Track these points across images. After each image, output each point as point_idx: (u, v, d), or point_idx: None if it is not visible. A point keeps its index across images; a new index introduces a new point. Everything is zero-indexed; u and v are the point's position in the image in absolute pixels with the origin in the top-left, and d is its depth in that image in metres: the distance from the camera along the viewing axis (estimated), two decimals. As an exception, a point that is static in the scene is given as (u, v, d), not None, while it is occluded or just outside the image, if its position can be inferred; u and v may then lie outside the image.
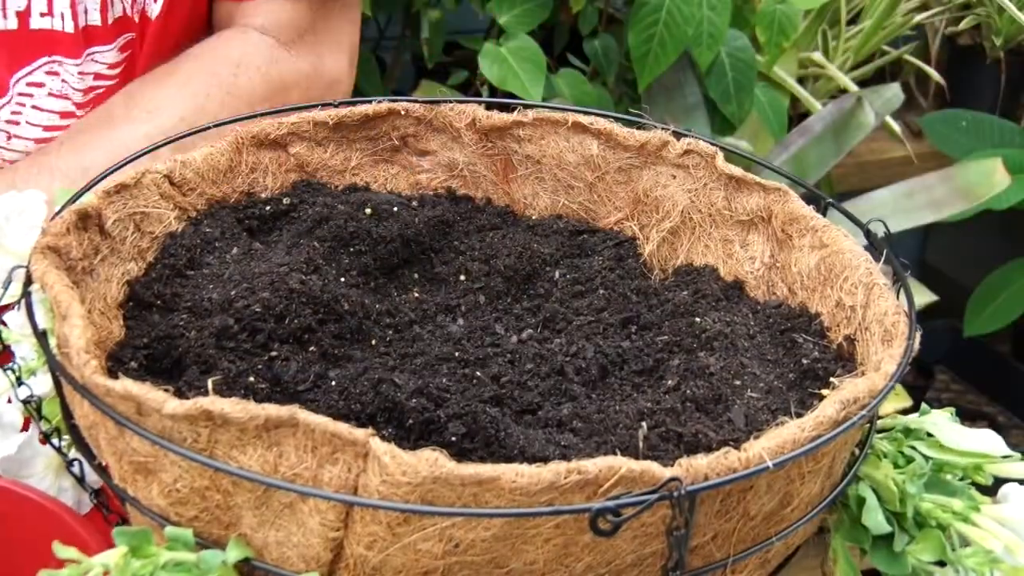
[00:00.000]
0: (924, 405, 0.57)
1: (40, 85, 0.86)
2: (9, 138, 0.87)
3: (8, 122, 0.86)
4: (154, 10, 0.89)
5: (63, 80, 0.86)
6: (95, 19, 0.87)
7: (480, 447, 0.49)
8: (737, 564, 0.47)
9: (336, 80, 0.98)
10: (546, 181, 0.71)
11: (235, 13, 0.95)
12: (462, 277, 0.66)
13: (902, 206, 1.43)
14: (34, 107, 0.87)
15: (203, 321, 0.56)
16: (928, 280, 1.57)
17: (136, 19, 0.89)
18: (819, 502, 0.49)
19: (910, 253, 2.14)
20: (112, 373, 0.50)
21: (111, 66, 0.88)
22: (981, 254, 1.84)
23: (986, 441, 0.54)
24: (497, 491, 0.41)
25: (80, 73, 0.87)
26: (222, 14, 0.96)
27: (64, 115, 0.88)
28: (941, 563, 0.52)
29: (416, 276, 0.66)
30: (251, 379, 0.52)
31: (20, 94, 0.86)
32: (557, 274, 0.66)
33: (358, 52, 1.01)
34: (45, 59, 0.86)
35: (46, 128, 0.87)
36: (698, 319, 0.60)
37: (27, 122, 0.87)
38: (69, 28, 0.85)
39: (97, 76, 0.88)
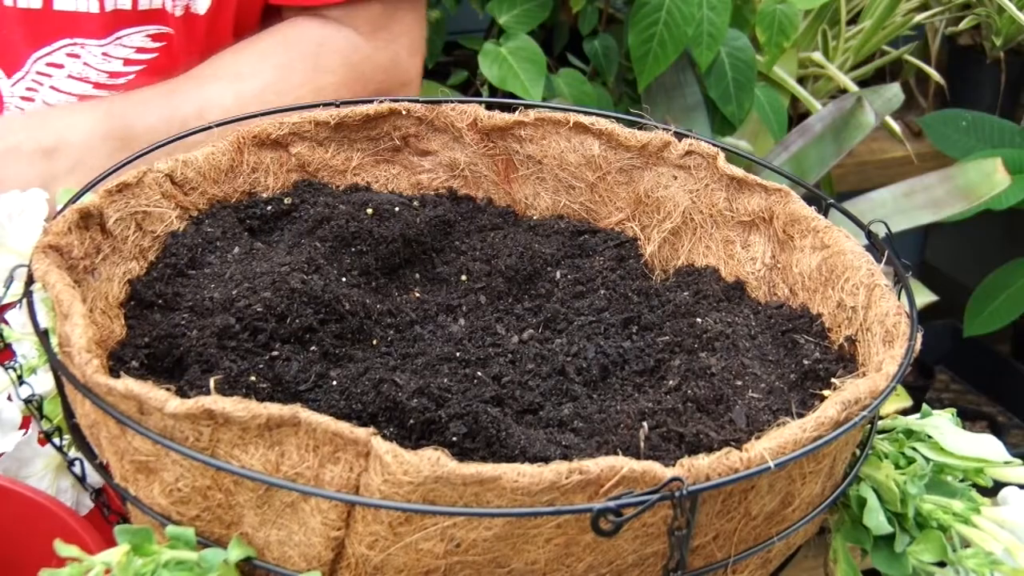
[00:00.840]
0: (925, 406, 0.57)
1: (60, 66, 0.86)
2: (23, 113, 0.87)
3: (23, 98, 0.87)
4: (202, 5, 0.89)
5: (84, 63, 0.86)
6: (125, 4, 0.87)
7: (481, 447, 0.49)
8: (738, 564, 0.47)
9: (410, 81, 0.97)
10: (547, 181, 0.71)
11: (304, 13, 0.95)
12: (463, 277, 0.66)
13: (902, 206, 1.43)
14: (52, 87, 0.87)
15: (204, 320, 0.56)
16: (928, 280, 1.57)
17: (178, 13, 0.88)
18: (820, 502, 0.49)
19: (910, 253, 2.14)
20: (114, 372, 0.50)
21: (139, 50, 0.88)
22: (981, 254, 1.84)
23: (987, 446, 0.54)
24: (498, 491, 0.41)
25: (104, 54, 0.87)
26: (290, 16, 0.96)
27: (83, 98, 0.88)
28: (942, 564, 0.52)
29: (417, 276, 0.66)
30: (252, 378, 0.52)
31: (39, 73, 0.86)
32: (558, 274, 0.66)
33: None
34: (67, 40, 0.86)
35: None
36: (699, 319, 0.60)
37: (43, 101, 0.87)
38: (94, 9, 0.85)
39: (127, 62, 0.88)
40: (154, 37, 0.89)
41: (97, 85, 0.88)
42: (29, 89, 0.87)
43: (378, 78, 0.94)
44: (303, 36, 0.91)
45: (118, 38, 0.87)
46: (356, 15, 0.94)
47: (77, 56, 0.86)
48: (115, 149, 0.82)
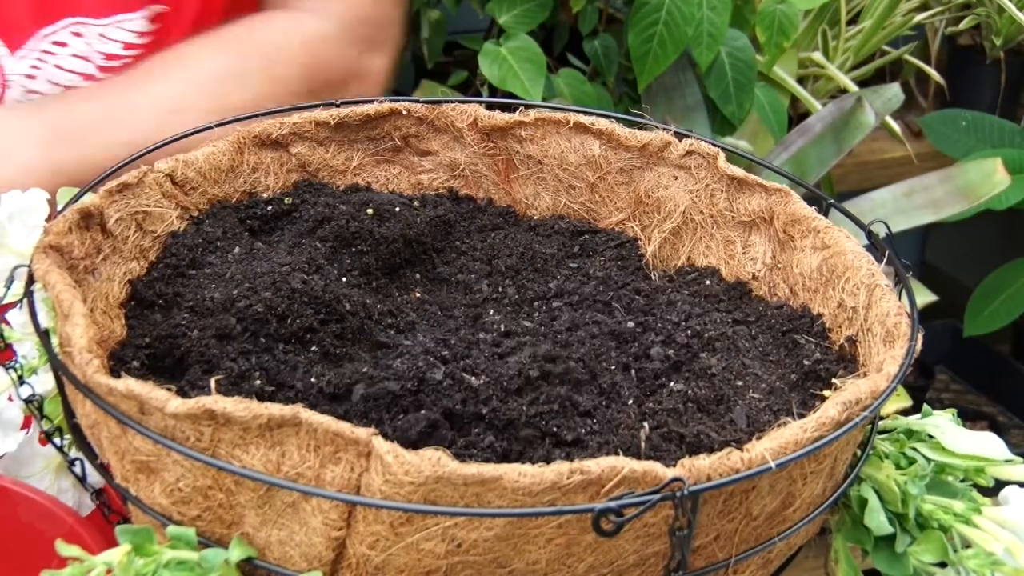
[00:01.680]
0: (926, 406, 0.57)
1: (63, 44, 0.86)
2: (27, 92, 0.87)
3: (27, 76, 0.87)
4: None
5: (87, 42, 0.86)
6: None
7: (482, 447, 0.49)
8: (739, 564, 0.47)
9: (377, 80, 0.97)
10: (548, 181, 0.71)
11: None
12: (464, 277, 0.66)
13: (902, 206, 1.43)
14: (56, 66, 0.87)
15: (205, 320, 0.56)
16: (928, 280, 1.57)
17: None
18: (821, 503, 0.49)
19: (910, 253, 2.14)
20: (114, 372, 0.50)
21: (140, 34, 0.88)
22: (981, 254, 1.84)
23: (988, 444, 0.54)
24: (499, 491, 0.41)
25: (101, 35, 0.87)
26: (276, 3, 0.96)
27: (86, 77, 0.88)
28: (943, 564, 0.52)
29: (418, 276, 0.66)
30: (253, 378, 0.52)
31: (44, 51, 0.86)
32: (559, 275, 0.66)
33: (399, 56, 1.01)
34: (70, 19, 0.86)
35: (67, 88, 0.87)
36: (700, 320, 0.60)
37: (48, 80, 0.87)
38: None
39: (127, 46, 0.88)
40: (152, 19, 0.89)
41: (99, 67, 0.88)
42: (33, 67, 0.87)
43: (342, 72, 0.94)
44: (270, 27, 0.92)
45: (118, 21, 0.87)
46: (334, 6, 0.94)
47: (80, 35, 0.86)
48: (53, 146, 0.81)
